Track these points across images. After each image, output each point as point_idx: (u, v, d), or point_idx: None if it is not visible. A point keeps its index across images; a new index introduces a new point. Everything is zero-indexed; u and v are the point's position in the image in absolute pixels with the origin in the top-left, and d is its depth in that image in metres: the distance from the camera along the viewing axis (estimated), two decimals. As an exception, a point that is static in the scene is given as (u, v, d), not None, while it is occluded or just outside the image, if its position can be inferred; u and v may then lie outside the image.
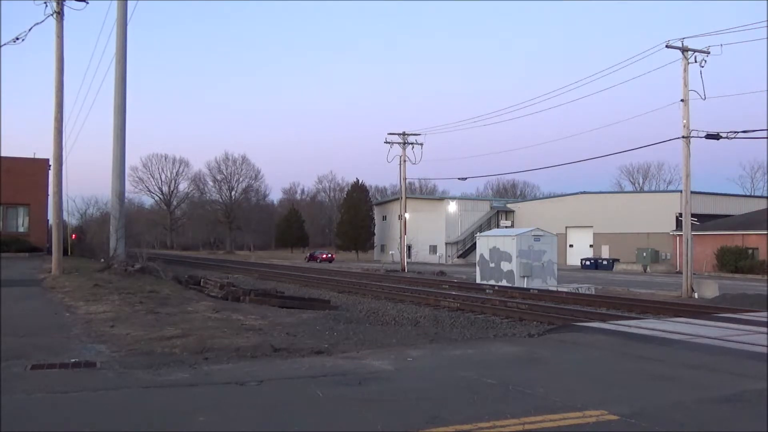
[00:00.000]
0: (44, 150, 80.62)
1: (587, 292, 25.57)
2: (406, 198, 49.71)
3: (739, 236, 44.24)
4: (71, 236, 40.56)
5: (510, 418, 5.17)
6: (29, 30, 21.17)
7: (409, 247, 54.32)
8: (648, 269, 48.00)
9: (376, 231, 78.76)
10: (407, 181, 49.48)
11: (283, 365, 7.53)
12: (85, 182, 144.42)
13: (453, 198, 70.81)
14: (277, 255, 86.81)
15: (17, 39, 21.36)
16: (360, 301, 21.30)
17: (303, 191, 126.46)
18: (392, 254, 65.78)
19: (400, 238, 49.88)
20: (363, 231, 78.83)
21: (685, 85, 25.64)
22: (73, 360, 7.59)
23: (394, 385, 6.54)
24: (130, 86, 24.03)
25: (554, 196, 72.07)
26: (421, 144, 46.68)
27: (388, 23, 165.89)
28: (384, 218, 76.99)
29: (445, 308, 19.18)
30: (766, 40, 26.18)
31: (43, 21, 20.88)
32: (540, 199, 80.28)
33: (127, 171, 43.04)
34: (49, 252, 24.67)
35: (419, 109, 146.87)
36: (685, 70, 25.61)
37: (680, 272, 29.54)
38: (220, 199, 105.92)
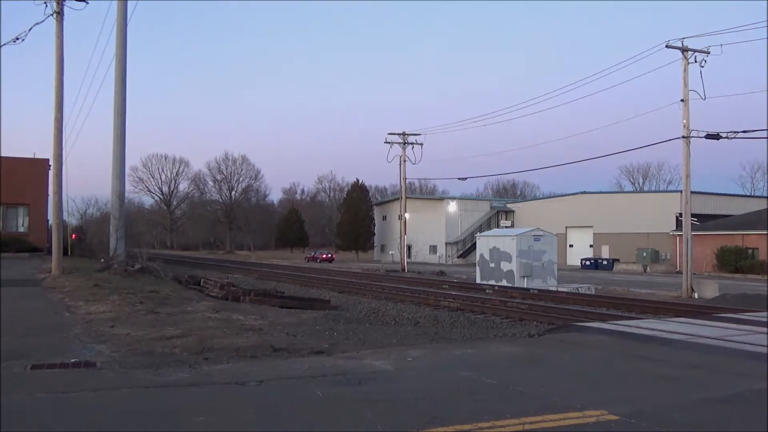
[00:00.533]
0: (44, 150, 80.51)
1: (587, 292, 25.57)
2: (406, 198, 49.70)
3: (739, 236, 44.22)
4: (71, 236, 40.53)
5: (510, 418, 5.17)
6: (29, 30, 21.20)
7: (409, 247, 54.32)
8: (648, 269, 47.99)
9: (376, 231, 78.76)
10: (407, 181, 49.52)
11: (283, 365, 7.53)
12: (85, 182, 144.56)
13: (453, 198, 70.80)
14: (277, 255, 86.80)
15: (17, 39, 21.39)
16: (360, 301, 21.30)
17: (303, 191, 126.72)
18: (392, 254, 65.80)
19: (400, 238, 49.88)
20: (363, 231, 78.83)
21: (685, 85, 25.64)
22: (73, 360, 7.58)
23: (394, 385, 6.54)
24: (130, 86, 24.04)
25: (554, 196, 72.04)
26: (421, 144, 46.79)
27: (388, 23, 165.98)
28: (384, 218, 76.98)
29: (445, 308, 19.18)
30: (766, 40, 26.22)
31: (43, 21, 20.90)
32: (540, 199, 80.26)
33: (127, 171, 43.08)
34: (49, 252, 24.67)
35: (419, 109, 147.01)
36: (685, 70, 25.62)
37: (680, 272, 29.53)
38: (220, 199, 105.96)
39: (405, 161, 47.34)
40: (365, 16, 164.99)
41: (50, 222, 29.92)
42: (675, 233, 46.44)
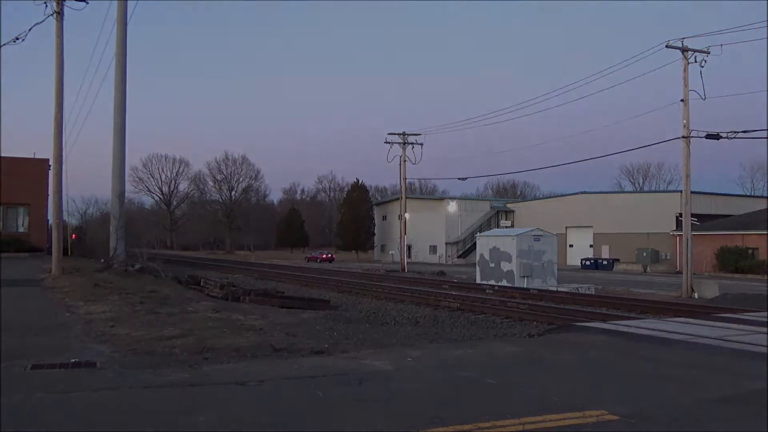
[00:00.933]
0: (44, 150, 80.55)
1: (587, 292, 25.58)
2: (406, 198, 49.71)
3: (739, 236, 44.22)
4: (71, 236, 40.56)
5: (510, 418, 5.16)
6: (29, 30, 21.22)
7: (409, 247, 54.32)
8: (648, 269, 47.98)
9: (376, 231, 78.76)
10: (407, 181, 49.51)
11: (283, 365, 7.52)
12: (85, 182, 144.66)
13: (453, 198, 70.81)
14: (277, 255, 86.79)
15: (17, 39, 21.40)
16: (360, 301, 21.31)
17: (303, 191, 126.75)
18: (392, 254, 65.81)
19: (400, 238, 49.89)
20: (363, 231, 78.82)
21: (685, 85, 25.64)
22: (73, 360, 7.57)
23: (394, 385, 6.54)
24: (130, 86, 24.02)
25: (554, 196, 72.04)
26: (421, 144, 46.82)
27: (388, 23, 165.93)
28: (384, 218, 76.99)
29: (445, 308, 19.18)
30: (766, 40, 26.23)
31: (43, 21, 20.90)
32: (540, 199, 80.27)
33: (127, 171, 42.96)
34: (49, 252, 24.66)
35: (419, 109, 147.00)
36: (685, 70, 25.62)
37: (680, 272, 29.53)
38: (220, 199, 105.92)
39: (405, 161, 47.36)
40: (365, 16, 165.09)
41: (50, 222, 29.91)
42: (675, 233, 46.41)
